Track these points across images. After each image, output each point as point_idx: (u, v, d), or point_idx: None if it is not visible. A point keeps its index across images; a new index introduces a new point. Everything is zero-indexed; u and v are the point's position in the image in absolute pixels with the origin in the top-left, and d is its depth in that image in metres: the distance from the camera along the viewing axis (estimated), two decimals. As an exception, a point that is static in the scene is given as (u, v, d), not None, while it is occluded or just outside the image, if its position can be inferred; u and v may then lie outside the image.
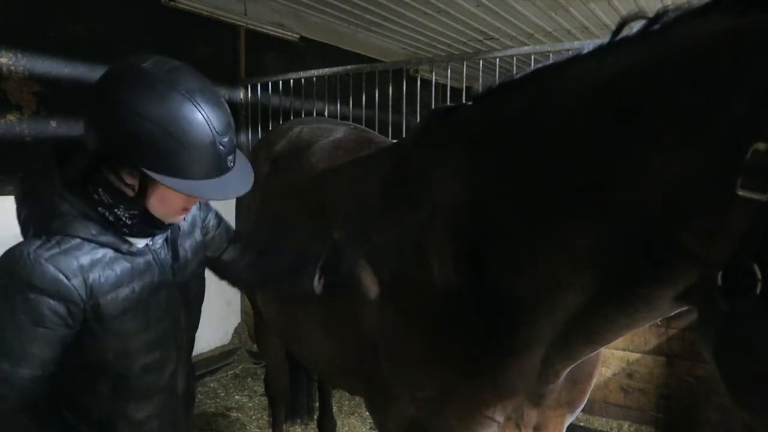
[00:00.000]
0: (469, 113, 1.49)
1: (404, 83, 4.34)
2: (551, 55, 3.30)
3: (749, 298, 0.72)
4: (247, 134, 5.13)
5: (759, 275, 0.71)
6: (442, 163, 1.49)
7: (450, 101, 3.10)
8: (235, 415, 3.93)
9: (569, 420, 1.60)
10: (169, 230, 1.38)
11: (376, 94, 4.23)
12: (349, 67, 4.44)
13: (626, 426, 3.65)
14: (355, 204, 1.79)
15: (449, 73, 4.09)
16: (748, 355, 0.74)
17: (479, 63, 4.03)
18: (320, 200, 1.99)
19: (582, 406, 1.61)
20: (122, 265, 1.25)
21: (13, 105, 3.52)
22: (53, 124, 3.72)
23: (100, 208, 1.20)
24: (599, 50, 1.12)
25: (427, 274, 1.42)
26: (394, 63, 4.45)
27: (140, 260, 1.29)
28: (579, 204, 1.08)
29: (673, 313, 1.06)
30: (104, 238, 1.22)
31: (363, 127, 2.60)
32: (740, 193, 0.75)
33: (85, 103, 1.19)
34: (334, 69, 4.45)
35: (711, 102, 0.84)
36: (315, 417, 3.21)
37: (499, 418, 1.40)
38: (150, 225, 1.26)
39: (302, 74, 4.61)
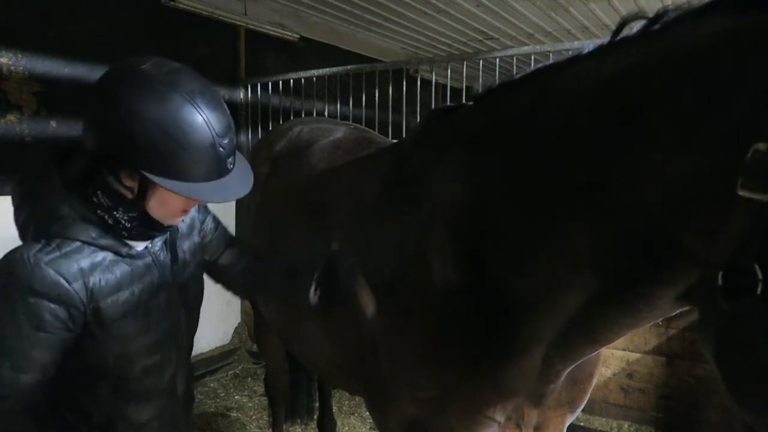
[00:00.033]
0: (469, 113, 1.49)
1: (404, 83, 4.34)
2: (551, 55, 3.29)
3: (750, 299, 0.72)
4: (247, 134, 5.13)
5: (760, 275, 0.71)
6: (442, 163, 1.49)
7: (450, 101, 3.10)
8: (235, 415, 3.93)
9: (570, 420, 1.60)
10: (168, 232, 1.37)
11: (376, 94, 4.23)
12: (349, 67, 4.44)
13: (626, 426, 3.65)
14: (355, 204, 1.79)
15: (449, 73, 4.09)
16: (749, 355, 0.74)
17: (479, 63, 4.03)
18: (320, 200, 1.99)
19: (582, 406, 1.61)
20: (122, 269, 1.25)
21: (13, 105, 3.52)
22: (53, 124, 3.72)
23: (99, 211, 1.20)
24: (599, 50, 1.12)
25: (427, 274, 1.42)
26: (394, 63, 4.45)
27: (140, 263, 1.29)
28: (579, 204, 1.08)
29: (674, 313, 1.07)
30: (104, 241, 1.21)
31: (363, 127, 2.60)
32: (741, 193, 0.75)
33: (84, 105, 1.18)
34: (334, 69, 4.45)
35: (711, 102, 0.84)
36: (315, 417, 3.21)
37: (500, 418, 1.40)
38: (149, 227, 1.26)
39: (302, 74, 4.61)
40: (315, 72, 4.56)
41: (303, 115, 4.33)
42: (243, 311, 5.05)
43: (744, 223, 0.76)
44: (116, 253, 1.24)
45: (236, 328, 5.03)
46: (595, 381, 1.60)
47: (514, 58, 3.77)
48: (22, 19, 3.57)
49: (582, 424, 3.67)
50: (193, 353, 1.59)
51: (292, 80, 4.69)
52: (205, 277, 1.62)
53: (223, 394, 4.26)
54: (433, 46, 7.21)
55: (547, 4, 5.41)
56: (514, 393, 1.37)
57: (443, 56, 5.21)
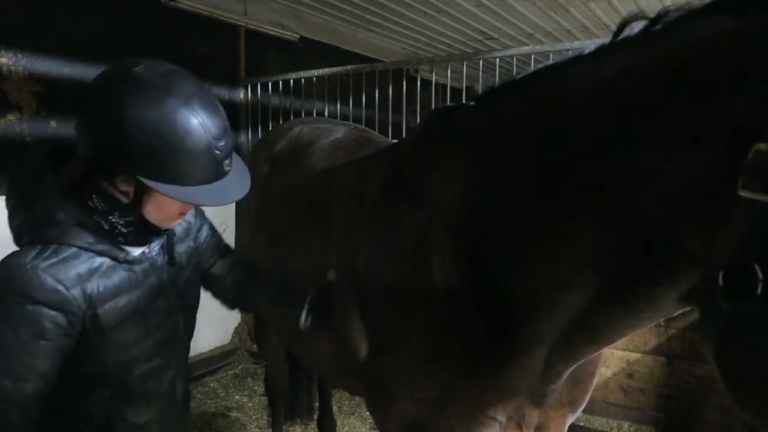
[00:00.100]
0: (470, 113, 1.49)
1: (404, 83, 4.34)
2: (551, 55, 3.30)
3: (750, 299, 0.72)
4: (247, 134, 5.13)
5: (760, 275, 0.71)
6: (442, 163, 1.49)
7: (450, 101, 3.10)
8: (235, 415, 3.93)
9: (571, 419, 1.60)
10: (165, 236, 1.36)
11: (376, 94, 4.23)
12: (349, 67, 4.44)
13: (626, 426, 3.65)
14: (355, 204, 1.79)
15: (449, 73, 4.09)
16: (749, 355, 0.74)
17: (479, 63, 4.03)
18: (320, 200, 1.99)
19: (584, 406, 1.61)
20: (120, 275, 1.23)
21: (13, 105, 3.52)
22: (53, 124, 3.72)
23: (95, 216, 1.17)
24: (600, 50, 1.12)
25: (428, 274, 1.42)
26: (394, 63, 4.45)
27: (137, 268, 1.27)
28: (579, 204, 1.08)
29: (676, 314, 1.07)
30: (100, 247, 1.19)
31: (363, 127, 2.60)
32: (741, 193, 0.75)
33: (77, 109, 1.16)
34: (334, 69, 4.45)
35: (712, 102, 0.84)
36: (315, 417, 3.21)
37: (501, 418, 1.40)
38: (145, 232, 1.24)
39: (302, 74, 4.61)
40: (315, 72, 4.56)
41: (303, 115, 4.34)
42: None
43: (744, 223, 0.76)
44: (113, 258, 1.22)
45: (236, 328, 5.03)
46: (596, 380, 1.60)
47: (514, 58, 3.77)
48: (22, 19, 3.56)
49: (582, 424, 3.67)
50: (193, 353, 1.59)
51: (292, 80, 4.69)
52: None
53: (223, 394, 4.26)
54: (433, 46, 7.21)
55: (547, 4, 5.41)
56: (515, 393, 1.37)
57: (443, 56, 5.21)
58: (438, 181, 1.48)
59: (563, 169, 1.11)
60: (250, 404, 4.12)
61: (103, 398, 1.28)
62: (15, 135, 3.54)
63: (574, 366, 1.33)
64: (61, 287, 1.11)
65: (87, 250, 1.17)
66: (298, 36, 5.74)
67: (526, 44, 6.45)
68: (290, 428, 3.34)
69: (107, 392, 1.28)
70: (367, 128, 2.59)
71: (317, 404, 3.22)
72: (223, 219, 4.19)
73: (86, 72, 3.84)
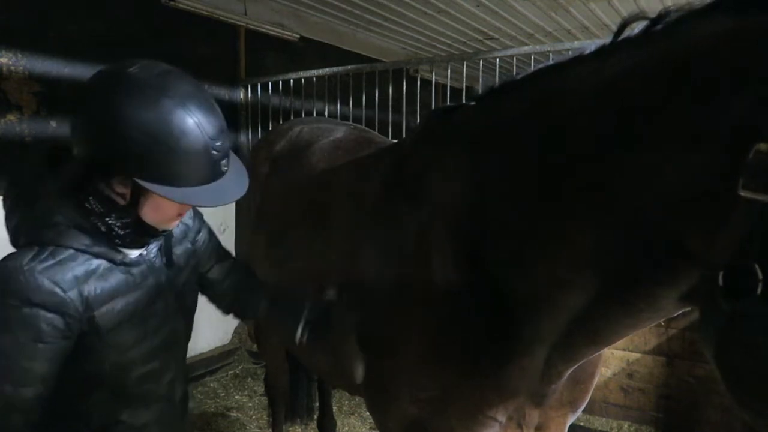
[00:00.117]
0: (470, 113, 1.49)
1: (404, 83, 4.34)
2: (551, 55, 3.30)
3: (750, 299, 0.72)
4: (247, 134, 5.13)
5: (760, 275, 0.71)
6: (442, 163, 1.49)
7: (450, 101, 3.10)
8: (235, 415, 3.93)
9: (571, 419, 1.60)
10: (163, 238, 1.35)
11: (376, 94, 4.23)
12: (349, 67, 4.44)
13: (626, 426, 3.65)
14: (355, 204, 1.79)
15: (449, 73, 4.09)
16: (749, 355, 0.74)
17: (479, 63, 4.03)
18: (320, 200, 1.99)
19: (584, 406, 1.61)
20: (117, 277, 1.22)
21: (13, 105, 3.52)
22: (53, 124, 3.72)
23: (92, 218, 1.16)
24: (601, 51, 1.12)
25: (428, 273, 1.42)
26: (394, 63, 4.45)
27: (135, 270, 1.26)
28: (579, 204, 1.08)
29: (676, 314, 1.07)
30: (97, 249, 1.18)
31: (363, 127, 2.60)
32: (742, 193, 0.75)
33: (73, 110, 1.15)
34: (334, 69, 4.45)
35: (712, 102, 0.84)
36: (315, 417, 3.21)
37: (501, 418, 1.40)
38: (143, 234, 1.23)
39: (302, 74, 4.61)
40: (315, 72, 4.56)
41: (303, 115, 4.33)
42: (243, 311, 5.04)
43: (744, 223, 0.76)
44: (110, 260, 1.21)
45: (236, 328, 5.03)
46: (596, 381, 1.60)
47: (514, 58, 3.77)
48: (22, 19, 3.56)
49: (582, 424, 3.67)
50: (193, 353, 1.59)
51: (292, 80, 4.69)
52: None
53: (223, 394, 4.26)
54: (433, 46, 7.21)
55: (547, 4, 5.41)
56: (516, 393, 1.37)
57: (443, 56, 5.21)
58: (438, 181, 1.48)
59: (563, 169, 1.11)
60: (250, 404, 4.12)
61: (101, 400, 1.28)
62: (15, 135, 3.54)
63: (575, 366, 1.33)
64: (58, 289, 1.10)
65: (84, 252, 1.17)
66: (298, 36, 5.74)
67: (526, 44, 6.45)
68: (290, 428, 3.34)
69: (105, 394, 1.27)
70: (367, 128, 2.59)
71: (317, 404, 3.22)
72: (223, 219, 4.19)
73: (86, 72, 3.84)
